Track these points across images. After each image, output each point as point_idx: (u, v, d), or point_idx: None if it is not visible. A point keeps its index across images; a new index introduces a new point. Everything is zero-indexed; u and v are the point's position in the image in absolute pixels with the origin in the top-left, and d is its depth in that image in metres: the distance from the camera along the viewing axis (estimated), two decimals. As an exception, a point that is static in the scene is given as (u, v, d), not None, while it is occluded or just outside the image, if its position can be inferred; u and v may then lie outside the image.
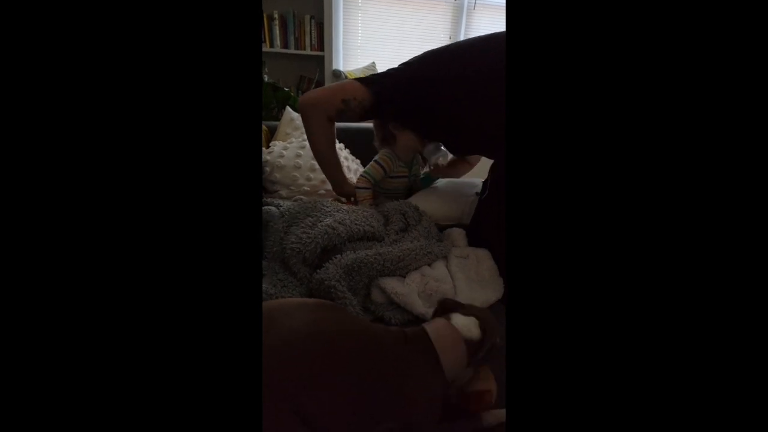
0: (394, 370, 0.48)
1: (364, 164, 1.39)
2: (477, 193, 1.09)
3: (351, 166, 1.44)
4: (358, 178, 1.08)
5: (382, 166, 1.08)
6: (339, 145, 1.48)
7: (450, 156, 1.14)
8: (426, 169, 1.23)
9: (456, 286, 0.83)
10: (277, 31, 2.17)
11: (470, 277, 0.88)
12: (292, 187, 1.26)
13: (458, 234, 1.02)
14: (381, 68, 2.28)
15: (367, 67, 2.29)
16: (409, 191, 1.20)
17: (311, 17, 2.20)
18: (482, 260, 0.93)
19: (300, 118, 1.52)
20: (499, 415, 0.56)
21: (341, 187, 1.13)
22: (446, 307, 0.60)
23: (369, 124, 1.56)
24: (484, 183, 1.03)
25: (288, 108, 1.58)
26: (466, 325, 0.54)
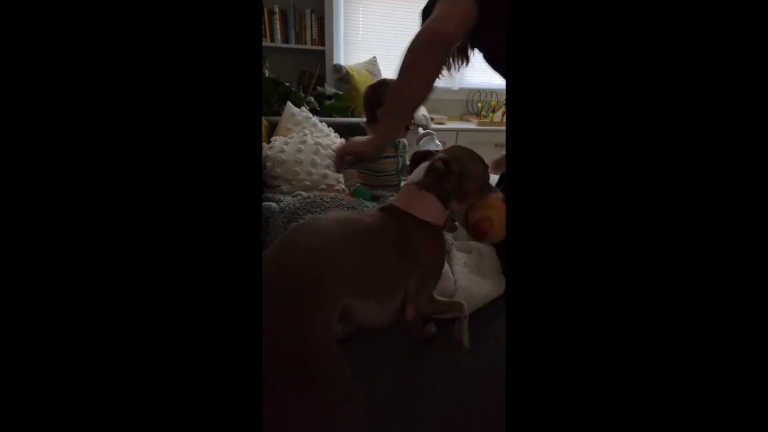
0: (404, 239, 0.60)
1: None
2: None
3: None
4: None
5: None
6: (341, 140, 1.48)
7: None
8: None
9: (456, 282, 0.83)
10: (278, 26, 2.15)
11: (472, 272, 0.88)
12: (293, 182, 1.26)
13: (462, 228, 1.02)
14: (382, 63, 2.27)
15: (368, 62, 2.27)
16: (399, 172, 1.25)
17: (312, 11, 2.18)
18: (485, 256, 0.93)
19: (300, 114, 1.51)
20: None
21: (388, 140, 0.96)
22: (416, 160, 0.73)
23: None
24: (501, 176, 1.02)
25: (289, 103, 1.57)
26: (423, 171, 0.66)
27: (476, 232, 0.66)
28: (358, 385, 0.46)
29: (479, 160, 0.69)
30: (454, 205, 0.67)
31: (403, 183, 1.20)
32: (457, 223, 0.80)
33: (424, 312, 0.65)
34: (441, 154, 0.66)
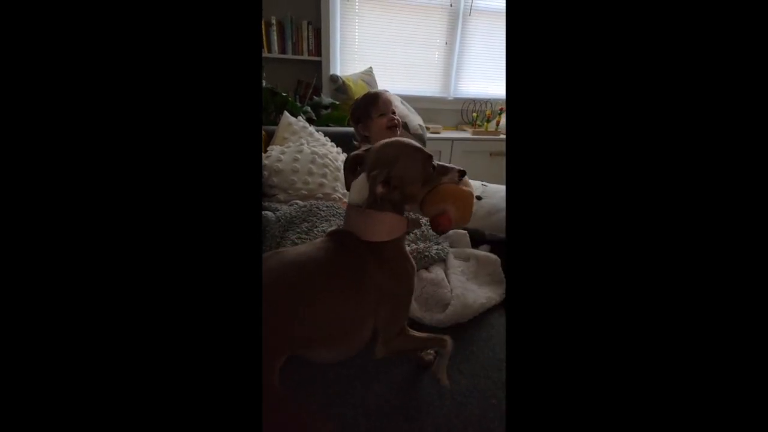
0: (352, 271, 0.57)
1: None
2: (477, 197, 1.10)
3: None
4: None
5: None
6: (337, 149, 1.48)
7: None
8: None
9: (452, 290, 0.83)
10: (275, 37, 2.18)
11: (469, 280, 0.88)
12: (289, 191, 1.26)
13: (461, 236, 1.02)
14: (378, 73, 2.30)
15: (364, 72, 2.30)
16: None
17: (308, 23, 2.21)
18: (485, 264, 0.92)
19: (297, 123, 1.52)
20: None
21: None
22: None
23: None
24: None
25: (286, 112, 1.58)
26: (361, 191, 0.59)
27: (436, 228, 0.62)
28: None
29: (415, 151, 0.60)
30: (408, 208, 0.62)
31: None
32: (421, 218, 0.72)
33: (398, 349, 0.60)
34: (375, 171, 0.56)
